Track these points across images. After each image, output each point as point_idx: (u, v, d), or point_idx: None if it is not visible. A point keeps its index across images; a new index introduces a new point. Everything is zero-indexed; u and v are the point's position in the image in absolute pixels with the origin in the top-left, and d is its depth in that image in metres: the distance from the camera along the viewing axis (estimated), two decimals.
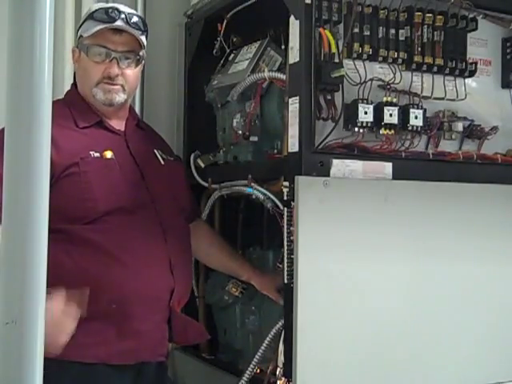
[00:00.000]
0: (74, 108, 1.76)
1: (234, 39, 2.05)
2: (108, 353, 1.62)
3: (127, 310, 1.63)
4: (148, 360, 1.70)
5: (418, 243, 1.68)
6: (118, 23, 1.70)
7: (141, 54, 1.76)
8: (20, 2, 0.92)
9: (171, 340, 1.78)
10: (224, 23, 2.01)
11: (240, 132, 1.87)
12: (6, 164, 0.94)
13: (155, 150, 1.85)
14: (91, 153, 1.67)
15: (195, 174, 2.06)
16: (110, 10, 1.70)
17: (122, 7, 1.73)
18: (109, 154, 1.69)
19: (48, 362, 1.03)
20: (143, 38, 1.76)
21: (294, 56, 1.59)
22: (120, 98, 1.74)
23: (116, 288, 1.61)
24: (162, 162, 1.84)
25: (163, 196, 1.76)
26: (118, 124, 1.80)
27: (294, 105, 1.58)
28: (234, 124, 1.90)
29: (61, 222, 1.57)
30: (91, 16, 1.72)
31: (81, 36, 1.75)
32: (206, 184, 2.02)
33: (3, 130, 0.96)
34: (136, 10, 2.25)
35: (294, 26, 1.59)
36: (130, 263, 1.64)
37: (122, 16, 1.70)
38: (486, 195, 1.78)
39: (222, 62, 2.07)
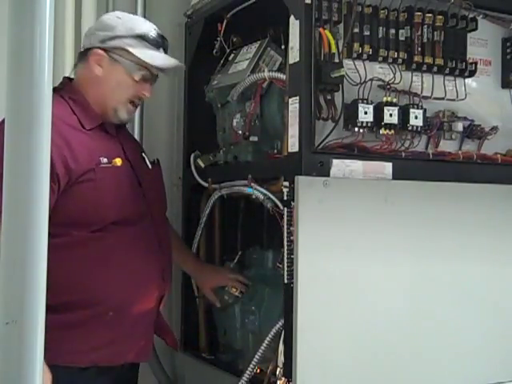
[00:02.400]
0: (76, 106, 1.70)
1: (234, 39, 2.05)
2: (101, 356, 1.65)
3: (123, 316, 1.66)
4: (134, 361, 1.75)
5: (417, 243, 1.68)
6: (163, 52, 1.75)
7: None
8: (20, 2, 0.92)
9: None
10: (224, 23, 2.01)
11: (240, 132, 1.87)
12: (5, 164, 0.94)
13: (143, 154, 1.85)
14: (101, 158, 1.64)
15: (195, 174, 2.06)
16: (161, 37, 1.76)
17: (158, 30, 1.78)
18: (119, 162, 1.68)
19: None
20: None
21: (293, 56, 1.59)
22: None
23: (115, 296, 1.64)
24: (150, 167, 1.83)
25: (156, 203, 1.78)
26: (111, 127, 1.77)
27: (293, 105, 1.58)
28: (234, 124, 1.89)
29: (65, 227, 1.57)
30: (144, 37, 1.72)
31: (124, 49, 1.71)
32: (205, 184, 2.01)
33: (3, 122, 0.96)
34: (136, 10, 2.26)
35: (294, 26, 1.59)
36: (130, 272, 1.66)
37: (166, 43, 1.77)
38: (485, 195, 1.78)
39: (221, 61, 2.07)
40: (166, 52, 1.78)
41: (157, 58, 1.73)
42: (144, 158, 1.83)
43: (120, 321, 1.65)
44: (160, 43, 1.75)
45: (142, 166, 1.79)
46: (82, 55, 1.77)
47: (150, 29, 1.74)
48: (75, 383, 1.63)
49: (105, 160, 1.65)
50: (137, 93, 1.74)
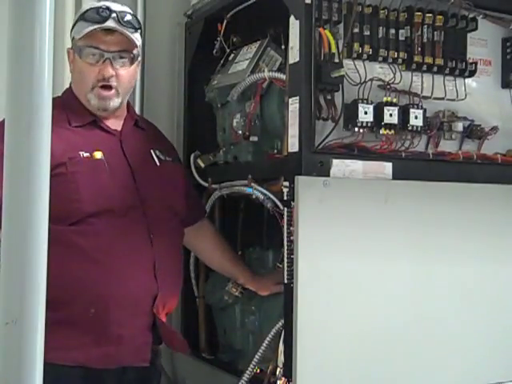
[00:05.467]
0: (68, 107, 1.73)
1: (234, 39, 2.05)
2: (87, 357, 1.61)
3: (106, 315, 1.61)
4: (129, 365, 1.68)
5: (418, 243, 1.68)
6: (109, 23, 1.66)
7: (135, 52, 1.73)
8: (20, 2, 0.92)
9: (160, 343, 1.76)
10: (224, 23, 2.01)
11: (240, 132, 1.87)
12: (6, 163, 0.94)
13: (152, 151, 1.81)
14: (81, 153, 1.64)
15: (195, 174, 2.06)
16: (101, 10, 1.66)
17: (113, 5, 1.69)
18: (98, 155, 1.66)
19: None
20: (137, 36, 1.73)
21: (293, 56, 1.59)
22: (114, 103, 1.72)
23: (95, 292, 1.60)
24: (158, 163, 1.80)
25: (154, 199, 1.73)
26: (115, 123, 1.77)
27: (293, 105, 1.58)
28: (234, 124, 1.89)
29: None
30: (82, 17, 1.69)
31: (73, 38, 1.72)
32: (206, 184, 2.01)
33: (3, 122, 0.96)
34: (136, 9, 2.25)
35: (294, 26, 1.59)
36: (111, 267, 1.62)
37: (113, 15, 1.66)
38: (486, 195, 1.77)
39: (221, 61, 2.07)
40: (121, 23, 1.68)
41: (87, 28, 1.66)
42: (152, 155, 1.80)
43: (104, 319, 1.61)
44: (99, 17, 1.66)
45: (144, 162, 1.77)
46: None
47: (90, 6, 1.69)
48: (61, 382, 1.58)
49: (86, 154, 1.64)
50: (98, 75, 1.69)
